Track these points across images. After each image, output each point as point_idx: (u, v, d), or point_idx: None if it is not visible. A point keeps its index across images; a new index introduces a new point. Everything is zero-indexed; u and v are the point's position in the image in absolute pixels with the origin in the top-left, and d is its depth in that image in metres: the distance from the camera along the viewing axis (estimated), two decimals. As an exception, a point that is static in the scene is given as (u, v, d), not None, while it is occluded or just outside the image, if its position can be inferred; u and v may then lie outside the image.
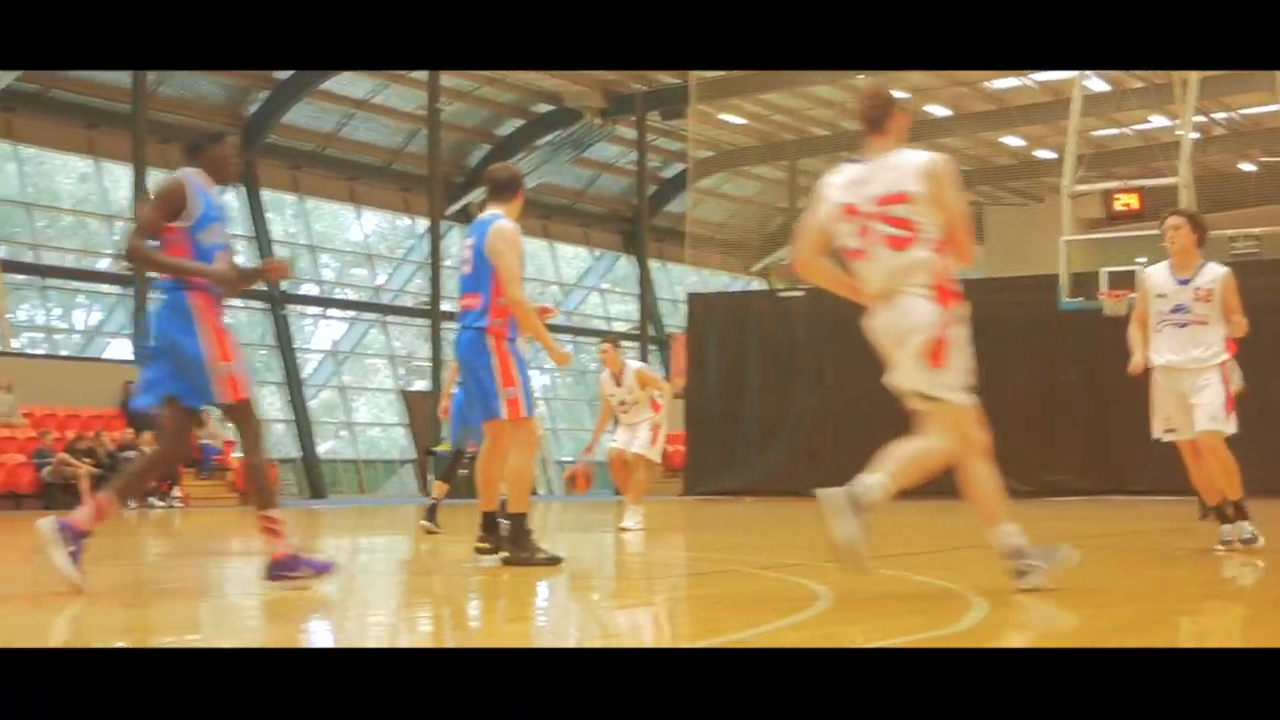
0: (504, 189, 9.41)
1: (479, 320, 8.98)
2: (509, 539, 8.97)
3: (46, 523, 6.94)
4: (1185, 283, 9.75)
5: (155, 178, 33.16)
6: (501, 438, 9.03)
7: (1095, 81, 35.32)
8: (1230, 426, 9.62)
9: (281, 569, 7.19)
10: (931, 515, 17.65)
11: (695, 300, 33.55)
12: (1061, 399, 25.47)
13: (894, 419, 27.59)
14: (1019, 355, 25.61)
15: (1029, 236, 41.96)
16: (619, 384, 14.67)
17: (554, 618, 6.77)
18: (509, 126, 42.35)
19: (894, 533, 13.65)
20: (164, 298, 7.23)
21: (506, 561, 8.81)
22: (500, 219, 9.15)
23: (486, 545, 9.19)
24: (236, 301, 37.50)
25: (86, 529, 7.01)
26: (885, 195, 6.59)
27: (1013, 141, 46.37)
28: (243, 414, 7.25)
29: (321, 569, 7.31)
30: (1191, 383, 9.64)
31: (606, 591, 8.22)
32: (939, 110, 42.74)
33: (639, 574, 9.00)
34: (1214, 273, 9.79)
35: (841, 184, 6.77)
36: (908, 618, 6.20)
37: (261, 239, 36.95)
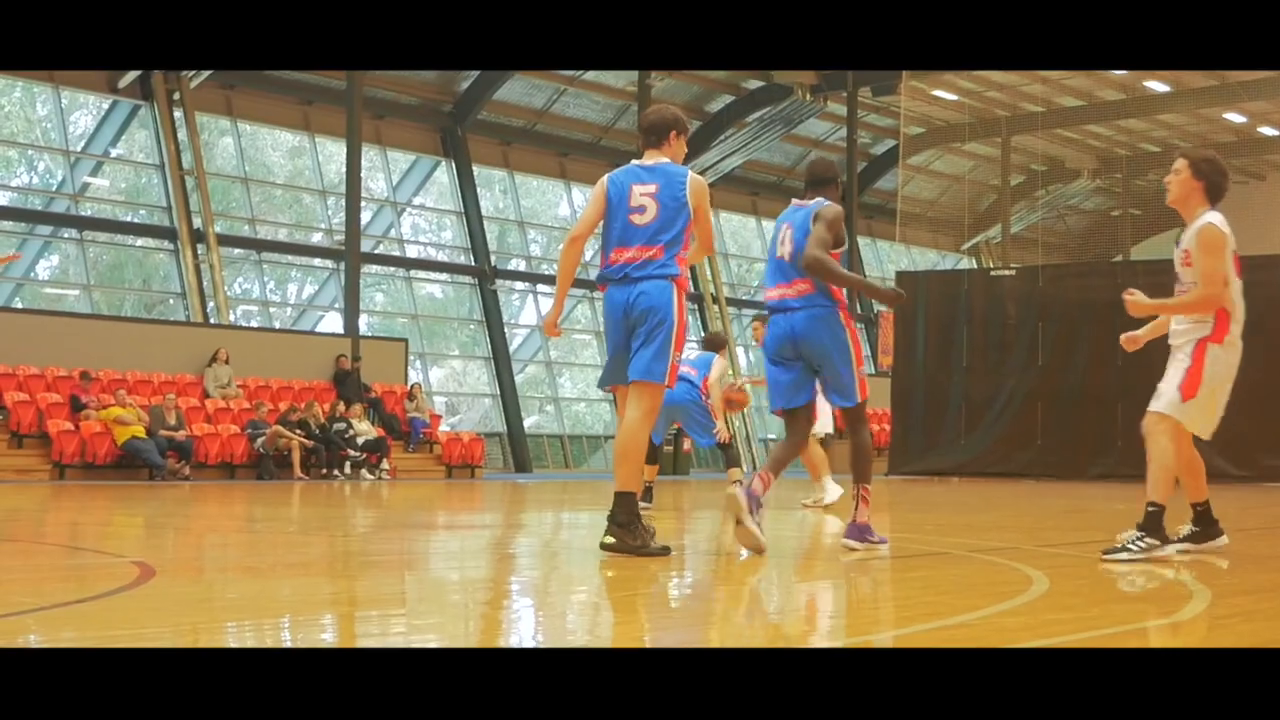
0: (660, 132, 8.34)
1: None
2: (618, 521, 7.84)
3: (738, 492, 7.95)
4: (1179, 243, 7.97)
5: (368, 154, 33.68)
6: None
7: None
8: (1180, 414, 7.66)
9: (861, 533, 8.42)
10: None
11: (904, 278, 33.20)
12: (1282, 382, 24.64)
13: (1104, 401, 26.92)
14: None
15: (1250, 215, 40.83)
16: None
17: (754, 601, 6.64)
18: (719, 102, 42.27)
19: (1113, 519, 13.32)
20: (817, 312, 8.36)
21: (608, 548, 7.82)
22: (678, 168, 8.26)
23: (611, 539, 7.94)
24: (443, 276, 38.01)
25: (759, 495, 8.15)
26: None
27: (1235, 118, 45.16)
28: (862, 411, 8.56)
29: (882, 542, 8.56)
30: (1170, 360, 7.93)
31: (815, 573, 8.06)
32: (1158, 86, 41.78)
33: (849, 555, 8.82)
34: (1194, 227, 7.84)
35: None
36: (1124, 605, 5.98)
37: (471, 214, 37.34)
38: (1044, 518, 13.90)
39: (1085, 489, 22.47)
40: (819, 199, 8.59)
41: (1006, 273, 32.34)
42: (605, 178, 8.25)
